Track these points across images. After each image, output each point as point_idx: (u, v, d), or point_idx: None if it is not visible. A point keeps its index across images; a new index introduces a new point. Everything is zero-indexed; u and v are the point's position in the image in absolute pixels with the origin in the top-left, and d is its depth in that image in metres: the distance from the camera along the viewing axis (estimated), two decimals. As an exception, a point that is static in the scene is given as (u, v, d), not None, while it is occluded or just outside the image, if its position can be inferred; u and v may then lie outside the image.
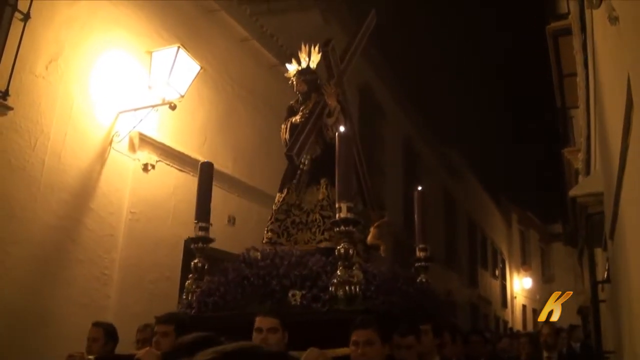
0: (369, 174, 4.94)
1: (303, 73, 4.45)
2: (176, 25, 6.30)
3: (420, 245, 4.41)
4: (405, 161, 13.98)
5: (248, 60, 7.47)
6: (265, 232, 4.14)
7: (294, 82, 4.49)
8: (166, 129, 6.08)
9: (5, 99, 4.43)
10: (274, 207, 4.21)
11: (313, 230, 4.02)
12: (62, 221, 4.86)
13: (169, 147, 6.04)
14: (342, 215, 3.26)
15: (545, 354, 4.79)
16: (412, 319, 3.16)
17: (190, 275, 3.89)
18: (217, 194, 6.00)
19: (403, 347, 2.88)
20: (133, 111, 5.56)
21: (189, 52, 5.77)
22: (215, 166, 4.26)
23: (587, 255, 7.68)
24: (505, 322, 21.65)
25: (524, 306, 24.21)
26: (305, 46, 4.51)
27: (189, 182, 5.85)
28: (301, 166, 4.24)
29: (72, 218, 4.97)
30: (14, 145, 4.54)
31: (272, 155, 6.36)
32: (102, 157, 5.32)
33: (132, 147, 5.65)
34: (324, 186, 4.10)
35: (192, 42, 6.20)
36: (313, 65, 4.48)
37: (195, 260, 3.90)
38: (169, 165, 6.06)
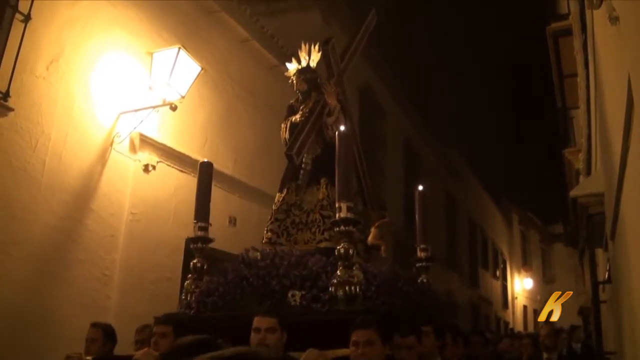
0: (369, 174, 4.93)
1: (303, 72, 4.44)
2: (177, 26, 6.31)
3: (421, 246, 4.40)
4: (405, 161, 13.97)
5: (248, 60, 7.48)
6: (265, 232, 4.13)
7: (294, 81, 4.47)
8: (167, 130, 6.08)
9: (6, 100, 4.43)
10: (273, 207, 4.20)
11: (313, 230, 4.01)
12: (63, 222, 4.87)
13: (169, 147, 6.04)
14: (342, 215, 3.25)
15: (544, 355, 4.78)
16: (413, 319, 3.16)
17: (190, 276, 3.88)
18: (218, 194, 6.01)
19: (404, 347, 2.87)
20: (134, 112, 5.57)
21: (189, 53, 5.77)
22: (216, 167, 4.25)
23: (588, 256, 7.67)
24: (506, 323, 21.62)
25: (524, 307, 24.18)
26: (305, 45, 4.50)
27: (190, 183, 5.84)
28: (303, 165, 4.23)
29: (73, 219, 4.97)
30: (15, 146, 4.54)
31: (273, 156, 6.35)
32: (102, 158, 5.32)
33: (133, 148, 5.65)
34: (324, 186, 4.09)
35: (192, 43, 6.20)
36: (313, 64, 4.47)
37: (195, 261, 3.89)
38: (169, 166, 6.06)
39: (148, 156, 5.78)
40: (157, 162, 5.88)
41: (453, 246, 16.93)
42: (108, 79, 5.45)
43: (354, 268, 3.26)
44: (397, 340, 2.86)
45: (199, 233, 3.85)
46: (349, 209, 3.26)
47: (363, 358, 2.60)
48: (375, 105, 12.19)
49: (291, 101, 4.56)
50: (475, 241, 19.65)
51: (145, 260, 5.59)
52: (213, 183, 4.18)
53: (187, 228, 4.09)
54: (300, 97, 4.46)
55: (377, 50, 11.82)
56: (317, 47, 4.48)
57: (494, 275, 21.50)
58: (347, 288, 3.12)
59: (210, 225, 3.93)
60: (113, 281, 5.26)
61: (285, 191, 4.20)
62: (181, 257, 5.88)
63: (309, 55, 4.47)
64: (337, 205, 3.32)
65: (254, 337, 2.83)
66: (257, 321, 2.86)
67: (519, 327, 21.63)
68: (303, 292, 3.29)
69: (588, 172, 7.32)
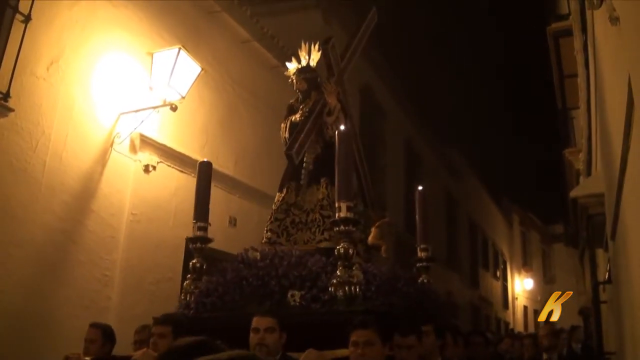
0: (369, 174, 4.92)
1: (303, 71, 4.43)
2: (177, 26, 6.31)
3: (422, 245, 4.39)
4: (406, 161, 13.97)
5: (249, 61, 7.48)
6: (265, 232, 4.12)
7: (294, 81, 4.46)
8: (167, 130, 6.08)
9: (6, 101, 4.44)
10: (273, 207, 4.20)
11: (313, 230, 4.00)
12: (63, 222, 4.87)
13: (170, 148, 6.04)
14: (342, 214, 3.24)
15: (544, 356, 4.77)
16: (413, 319, 3.15)
17: (189, 276, 3.87)
18: (218, 195, 6.02)
19: (404, 347, 2.87)
20: (134, 112, 5.57)
21: (189, 53, 5.78)
22: (216, 167, 4.26)
23: (588, 256, 7.66)
24: (507, 323, 21.60)
25: (525, 307, 24.16)
26: (305, 44, 4.49)
27: (190, 183, 5.81)
28: (304, 165, 4.22)
29: (73, 219, 4.97)
30: (15, 147, 4.54)
31: (273, 156, 6.35)
32: (103, 159, 5.32)
33: (133, 148, 5.65)
34: (324, 185, 4.08)
35: (192, 43, 6.20)
36: (313, 63, 4.46)
37: (194, 261, 3.88)
38: (170, 166, 6.06)
39: (148, 156, 5.78)
40: (158, 162, 5.88)
41: (453, 246, 16.92)
42: (108, 80, 5.45)
43: (353, 268, 3.25)
44: (397, 340, 2.86)
45: (198, 233, 3.84)
46: (348, 209, 3.25)
47: (362, 358, 2.60)
48: (375, 105, 12.19)
49: (291, 100, 4.55)
50: (476, 241, 19.64)
51: (146, 261, 5.59)
52: (213, 183, 4.17)
53: (188, 228, 4.08)
54: (300, 97, 4.45)
55: (377, 51, 11.82)
56: (317, 46, 4.47)
57: (495, 276, 21.49)
58: (346, 288, 3.11)
59: (210, 225, 3.93)
60: (113, 282, 5.26)
61: (285, 191, 4.19)
62: (182, 258, 5.88)
63: (309, 54, 4.46)
64: (337, 205, 3.31)
65: (252, 337, 2.83)
66: (256, 321, 2.86)
67: (519, 327, 21.60)
68: (302, 292, 3.28)
69: (588, 173, 7.31)
